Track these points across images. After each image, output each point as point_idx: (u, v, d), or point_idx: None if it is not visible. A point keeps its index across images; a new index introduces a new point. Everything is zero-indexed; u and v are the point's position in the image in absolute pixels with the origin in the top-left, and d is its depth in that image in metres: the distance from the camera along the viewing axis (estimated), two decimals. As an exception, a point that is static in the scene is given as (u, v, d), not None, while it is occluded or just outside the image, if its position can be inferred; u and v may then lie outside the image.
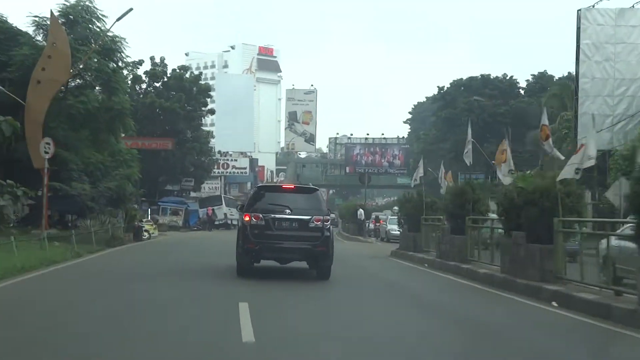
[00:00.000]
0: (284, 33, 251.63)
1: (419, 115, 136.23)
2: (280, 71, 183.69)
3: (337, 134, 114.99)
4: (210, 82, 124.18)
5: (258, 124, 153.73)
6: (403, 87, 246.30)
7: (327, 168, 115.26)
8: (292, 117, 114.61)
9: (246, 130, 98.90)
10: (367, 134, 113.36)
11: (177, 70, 52.97)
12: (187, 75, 53.82)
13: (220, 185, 76.93)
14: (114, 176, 26.56)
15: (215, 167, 78.36)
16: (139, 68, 52.58)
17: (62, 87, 26.39)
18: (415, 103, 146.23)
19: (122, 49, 26.73)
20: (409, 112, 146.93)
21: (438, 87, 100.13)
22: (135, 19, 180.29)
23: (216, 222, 51.90)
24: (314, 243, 14.72)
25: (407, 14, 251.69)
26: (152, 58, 53.27)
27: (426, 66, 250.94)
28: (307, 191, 15.74)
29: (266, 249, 14.82)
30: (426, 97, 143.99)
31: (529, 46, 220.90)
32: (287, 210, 14.81)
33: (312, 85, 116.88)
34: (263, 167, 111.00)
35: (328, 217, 15.30)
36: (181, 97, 51.22)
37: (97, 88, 27.23)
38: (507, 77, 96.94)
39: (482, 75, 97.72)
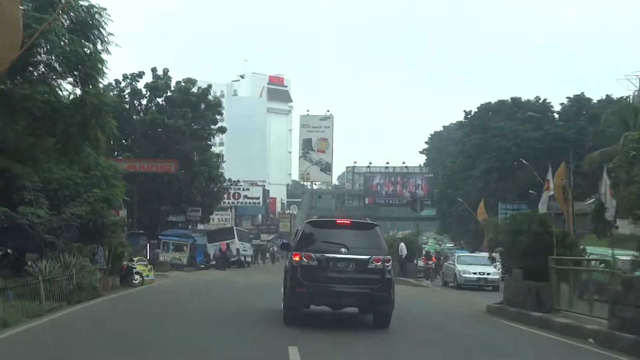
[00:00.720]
0: (295, 63, 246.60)
1: (437, 144, 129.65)
2: (291, 101, 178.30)
3: (355, 162, 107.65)
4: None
5: (269, 155, 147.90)
6: (420, 116, 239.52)
7: (344, 199, 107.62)
8: (306, 145, 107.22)
9: (258, 157, 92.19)
10: (387, 163, 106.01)
11: (183, 83, 45.49)
12: (195, 89, 46.31)
13: (231, 216, 69.27)
14: (86, 198, 18.83)
15: (225, 196, 70.97)
16: (138, 81, 45.52)
17: (18, 77, 18.91)
18: (432, 132, 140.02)
19: (103, 23, 19.21)
20: (426, 142, 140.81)
21: (465, 111, 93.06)
22: (139, 48, 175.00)
23: (231, 260, 44.18)
24: (373, 287, 13.20)
25: (423, 41, 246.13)
26: (154, 69, 45.93)
27: (445, 94, 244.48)
28: (365, 227, 14.28)
29: (319, 293, 13.32)
30: (443, 126, 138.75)
31: (559, 71, 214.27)
32: (343, 249, 13.31)
33: (328, 110, 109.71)
34: (274, 199, 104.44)
35: (389, 256, 13.73)
36: (187, 113, 43.73)
37: (68, 79, 19.55)
38: (540, 100, 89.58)
39: (512, 99, 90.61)
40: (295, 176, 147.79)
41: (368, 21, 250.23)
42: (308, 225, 14.48)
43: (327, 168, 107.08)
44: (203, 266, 44.67)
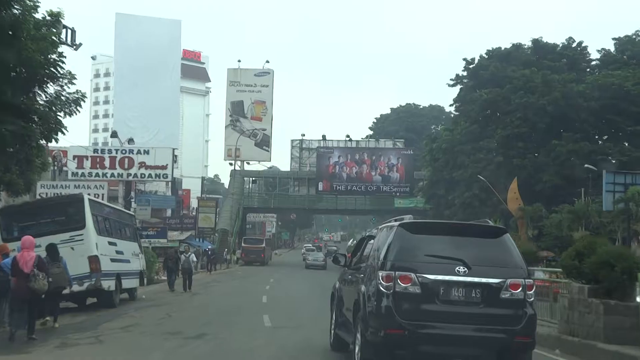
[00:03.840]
0: (214, 39, 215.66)
1: (384, 130, 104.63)
2: (209, 80, 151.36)
3: (303, 135, 78.75)
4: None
5: (181, 142, 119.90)
6: (365, 98, 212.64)
7: (288, 184, 78.57)
8: (236, 110, 77.32)
9: (168, 110, 61.39)
10: (348, 137, 77.50)
11: None
12: None
13: (120, 193, 39.70)
14: None
15: (107, 163, 41.17)
16: None
17: None
18: (378, 116, 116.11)
19: None
20: (370, 128, 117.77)
21: (465, 60, 65.75)
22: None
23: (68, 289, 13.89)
24: (509, 329, 8.47)
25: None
26: None
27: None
28: (490, 233, 9.21)
29: (424, 338, 8.36)
30: (391, 109, 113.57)
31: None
32: (461, 268, 8.49)
33: (267, 61, 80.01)
34: (188, 191, 75.03)
35: (531, 280, 8.87)
36: None
37: None
38: (573, 44, 63.64)
39: (533, 41, 64.45)
40: (215, 169, 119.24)
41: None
42: (401, 230, 8.93)
43: (264, 142, 77.41)
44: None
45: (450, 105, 67.00)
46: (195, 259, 26.50)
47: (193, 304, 20.61)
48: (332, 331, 11.43)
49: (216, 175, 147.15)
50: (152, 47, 60.74)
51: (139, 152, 41.61)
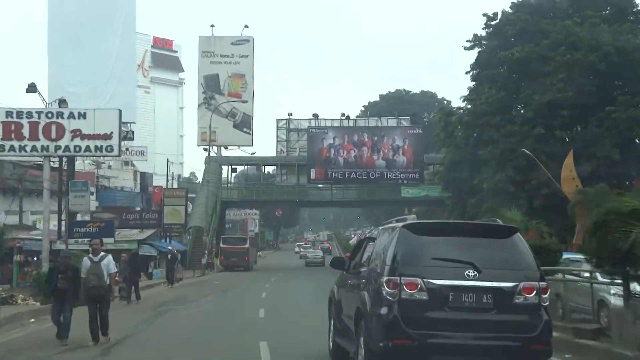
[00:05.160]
0: (190, 28, 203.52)
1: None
2: (183, 70, 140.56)
3: (290, 114, 66.91)
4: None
5: (153, 135, 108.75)
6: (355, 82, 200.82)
7: (275, 173, 66.81)
8: (210, 86, 65.39)
9: (121, 73, 49.67)
10: (343, 115, 65.91)
11: None
12: None
13: (46, 176, 27.77)
14: None
15: (27, 132, 29.48)
16: None
17: None
18: (366, 104, 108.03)
19: None
20: (357, 116, 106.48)
21: (486, 15, 54.20)
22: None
23: None
24: (524, 336, 7.83)
25: None
26: None
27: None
28: (499, 233, 8.56)
29: (434, 347, 7.67)
30: (380, 95, 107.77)
31: None
32: (470, 272, 7.81)
33: (246, 26, 67.96)
34: (161, 187, 63.32)
35: (545, 282, 8.14)
36: None
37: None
38: (619, -10, 52.03)
39: (570, -11, 52.78)
40: (191, 166, 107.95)
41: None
42: (405, 231, 8.21)
43: (244, 123, 65.44)
44: None
45: (467, 72, 54.88)
46: (113, 267, 13.39)
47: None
48: (331, 339, 10.67)
49: (192, 173, 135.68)
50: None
51: (71, 115, 29.35)
